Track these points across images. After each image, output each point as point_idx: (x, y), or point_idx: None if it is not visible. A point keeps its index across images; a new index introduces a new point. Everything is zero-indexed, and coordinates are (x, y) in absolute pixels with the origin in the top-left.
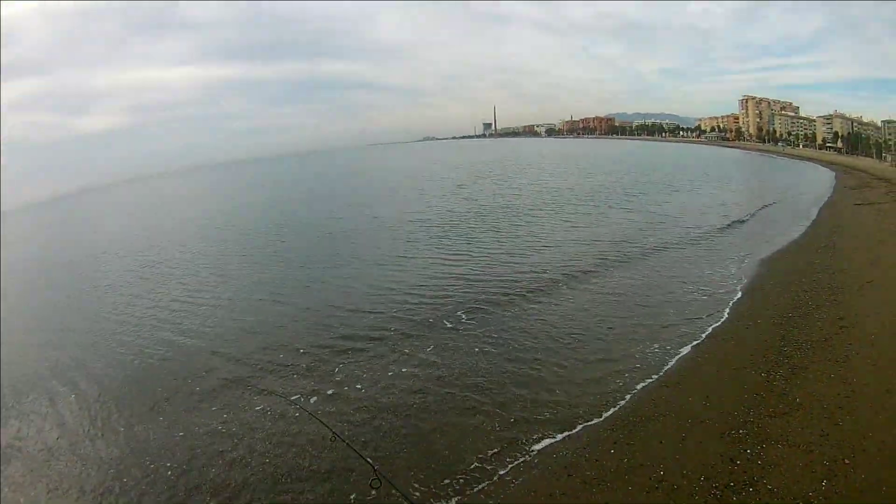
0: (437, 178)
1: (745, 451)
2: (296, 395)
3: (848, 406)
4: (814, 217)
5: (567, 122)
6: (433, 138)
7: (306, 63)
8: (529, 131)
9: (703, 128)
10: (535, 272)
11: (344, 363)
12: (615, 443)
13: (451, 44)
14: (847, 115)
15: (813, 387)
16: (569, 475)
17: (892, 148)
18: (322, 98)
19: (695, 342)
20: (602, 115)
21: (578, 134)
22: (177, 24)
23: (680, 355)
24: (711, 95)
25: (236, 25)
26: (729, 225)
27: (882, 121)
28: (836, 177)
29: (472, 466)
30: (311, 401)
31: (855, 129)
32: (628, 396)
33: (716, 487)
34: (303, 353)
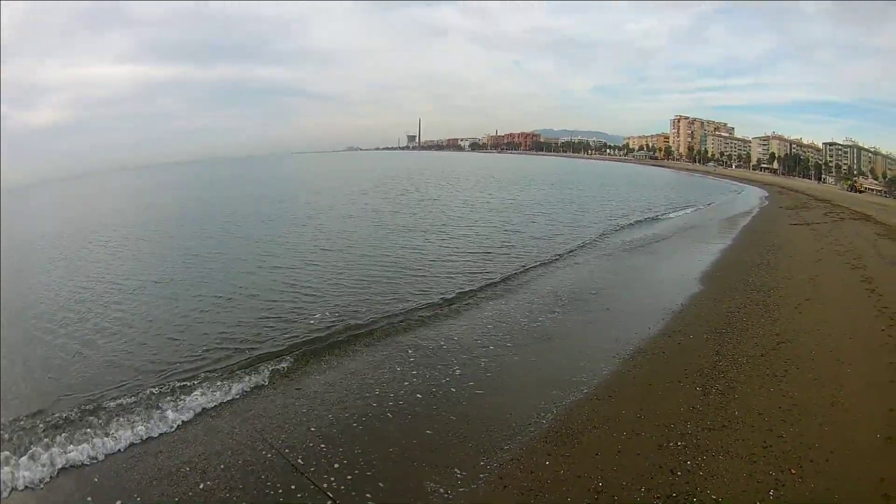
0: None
1: (686, 462)
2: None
3: (790, 419)
4: (747, 237)
5: (492, 136)
6: (357, 149)
7: (240, 67)
8: (453, 145)
9: (631, 146)
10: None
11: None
12: (549, 455)
13: (382, 52)
14: (785, 137)
15: (752, 401)
16: (505, 486)
17: (834, 170)
18: (253, 103)
19: (626, 356)
20: (529, 130)
21: (502, 149)
22: (121, 20)
23: (610, 369)
24: (646, 115)
25: (177, 25)
26: (655, 241)
27: (824, 143)
28: (770, 197)
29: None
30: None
31: (793, 150)
32: (556, 410)
33: (657, 498)
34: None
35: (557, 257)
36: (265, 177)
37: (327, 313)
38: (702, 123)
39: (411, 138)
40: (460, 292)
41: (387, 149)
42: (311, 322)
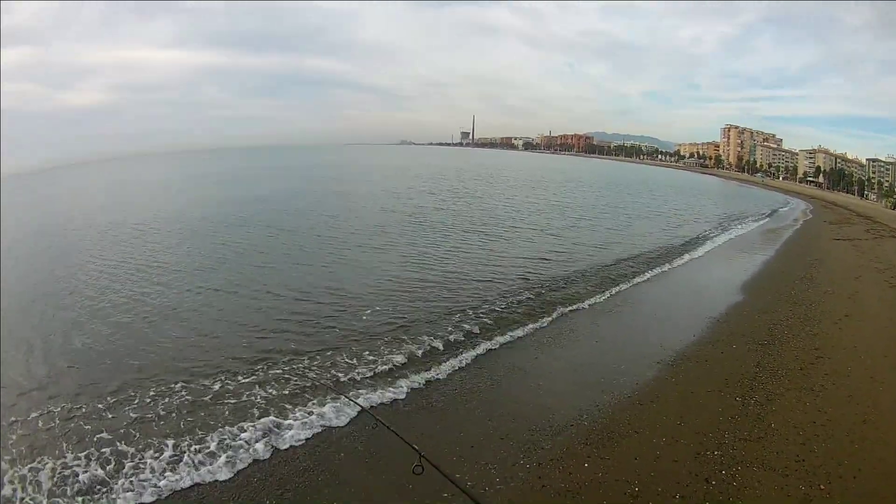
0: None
1: (720, 472)
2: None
3: (823, 434)
4: (792, 249)
5: (545, 137)
6: (410, 143)
7: (291, 57)
8: (507, 143)
9: (682, 153)
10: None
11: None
12: (589, 457)
13: (435, 50)
14: (831, 151)
15: (788, 414)
16: (543, 486)
17: (876, 186)
18: (303, 93)
19: (669, 362)
20: (581, 132)
21: (555, 150)
22: (167, 6)
23: (653, 374)
24: (694, 122)
25: (227, 12)
26: (703, 253)
27: (867, 159)
28: (814, 211)
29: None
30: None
31: (838, 165)
32: (599, 412)
33: None
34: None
35: (606, 265)
36: (310, 169)
37: (377, 308)
38: (751, 133)
39: (465, 135)
40: (505, 292)
41: (440, 144)
42: (364, 318)
